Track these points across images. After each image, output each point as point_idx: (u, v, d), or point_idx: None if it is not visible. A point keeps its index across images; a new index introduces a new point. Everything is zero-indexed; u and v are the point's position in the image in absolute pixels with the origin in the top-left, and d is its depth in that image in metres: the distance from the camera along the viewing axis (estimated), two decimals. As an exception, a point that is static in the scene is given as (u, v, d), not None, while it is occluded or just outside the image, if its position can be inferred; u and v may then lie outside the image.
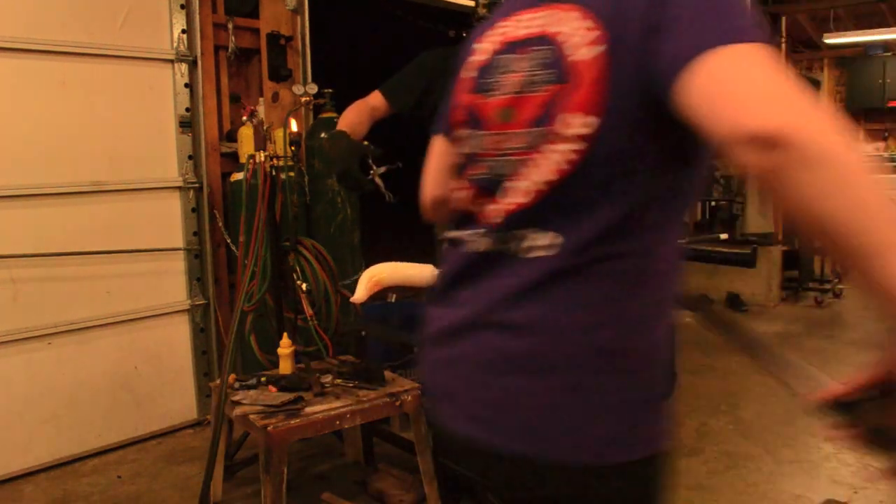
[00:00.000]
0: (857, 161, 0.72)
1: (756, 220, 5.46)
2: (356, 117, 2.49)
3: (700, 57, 0.77)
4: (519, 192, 0.93)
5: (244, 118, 3.30)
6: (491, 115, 0.96)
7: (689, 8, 0.82)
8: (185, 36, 3.36)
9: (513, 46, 0.95)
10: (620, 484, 0.88)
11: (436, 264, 1.88)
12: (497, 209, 0.95)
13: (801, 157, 0.72)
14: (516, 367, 0.90)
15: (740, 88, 0.76)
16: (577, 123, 0.87)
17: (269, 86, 3.55)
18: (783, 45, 5.81)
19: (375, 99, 2.51)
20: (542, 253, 0.89)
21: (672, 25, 0.81)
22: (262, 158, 2.86)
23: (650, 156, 0.86)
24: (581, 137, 0.87)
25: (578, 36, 0.88)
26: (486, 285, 0.94)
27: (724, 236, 3.06)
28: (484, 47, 1.00)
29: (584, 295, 0.87)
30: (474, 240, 0.98)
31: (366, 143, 2.32)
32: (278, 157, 2.94)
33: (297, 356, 2.64)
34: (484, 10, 2.44)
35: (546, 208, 0.90)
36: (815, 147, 0.71)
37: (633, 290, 0.87)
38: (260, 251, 2.80)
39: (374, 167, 2.23)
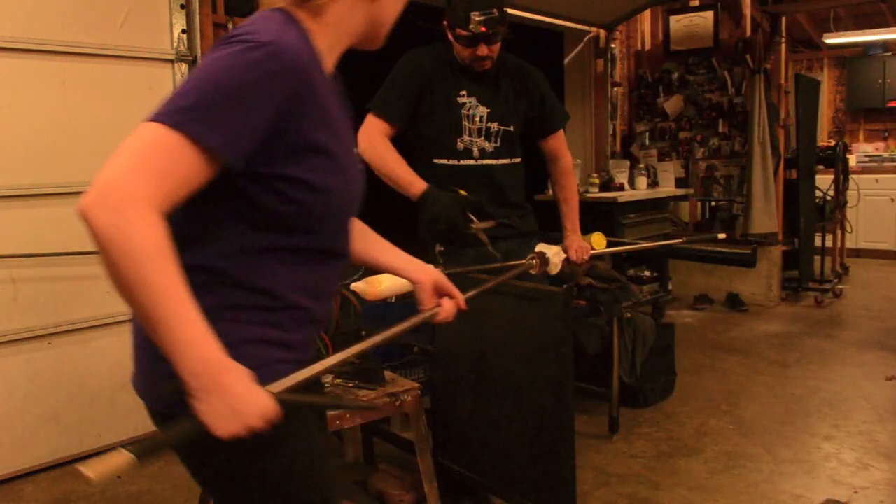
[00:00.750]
0: (144, 249, 0.88)
1: (762, 221, 5.44)
2: (394, 154, 2.41)
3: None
4: None
5: (244, 118, 3.30)
6: None
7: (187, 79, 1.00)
8: (185, 36, 3.36)
9: None
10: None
11: (436, 266, 1.87)
12: None
13: (96, 240, 0.89)
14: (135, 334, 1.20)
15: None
16: None
17: (268, 86, 3.55)
18: (783, 45, 5.80)
19: (377, 125, 2.44)
20: None
21: None
22: (262, 158, 2.86)
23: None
24: None
25: None
26: None
27: (722, 236, 3.05)
28: None
29: None
30: None
31: (462, 192, 2.34)
32: (278, 157, 2.94)
33: (296, 356, 2.63)
34: (482, 28, 2.34)
35: None
36: (101, 234, 0.88)
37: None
38: (260, 251, 2.81)
39: (475, 218, 2.32)
